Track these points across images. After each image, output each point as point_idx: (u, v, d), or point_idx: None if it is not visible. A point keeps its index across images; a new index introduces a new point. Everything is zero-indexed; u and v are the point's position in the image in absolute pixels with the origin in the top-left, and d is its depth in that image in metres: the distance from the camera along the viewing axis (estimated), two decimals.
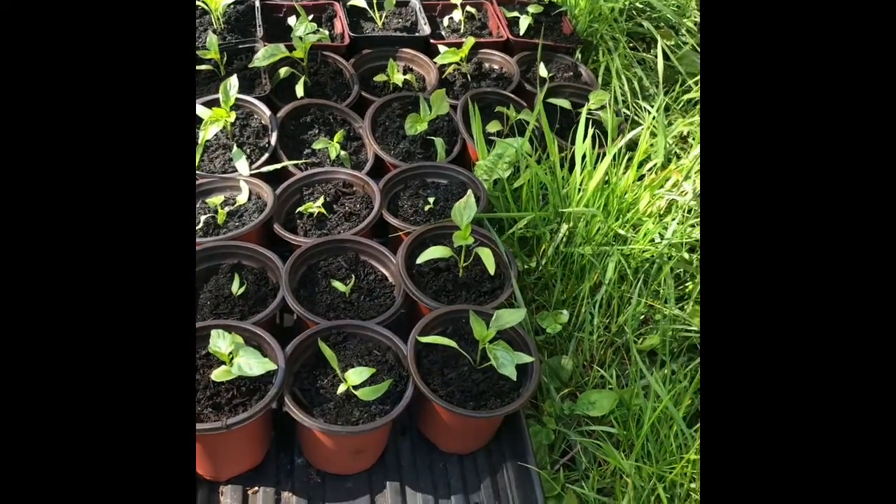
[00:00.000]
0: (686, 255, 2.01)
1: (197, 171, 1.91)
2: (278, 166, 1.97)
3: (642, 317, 1.97)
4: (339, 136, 2.05)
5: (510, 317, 1.55)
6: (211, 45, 2.13)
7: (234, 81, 1.94)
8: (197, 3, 2.35)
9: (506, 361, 1.50)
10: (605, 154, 2.06)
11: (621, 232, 1.99)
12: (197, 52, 2.17)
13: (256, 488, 1.52)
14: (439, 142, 2.12)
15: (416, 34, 2.54)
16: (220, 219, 1.81)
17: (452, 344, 1.54)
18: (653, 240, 2.00)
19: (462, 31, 2.64)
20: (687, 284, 2.04)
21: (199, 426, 1.37)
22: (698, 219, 2.01)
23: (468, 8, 2.68)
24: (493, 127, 2.20)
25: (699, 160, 2.04)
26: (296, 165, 1.99)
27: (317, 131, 2.12)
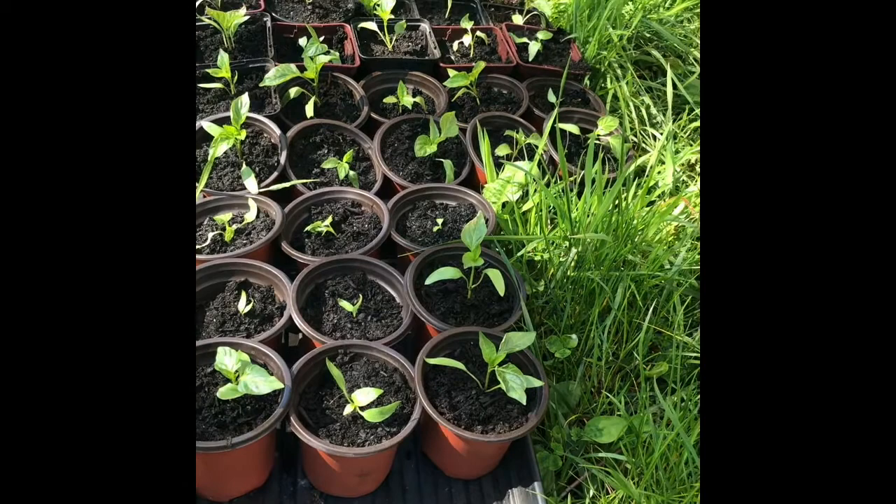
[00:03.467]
0: (695, 283, 2.00)
1: (205, 189, 1.90)
2: (287, 185, 1.96)
3: (651, 343, 1.95)
4: (348, 156, 2.05)
5: (520, 340, 1.53)
6: (222, 64, 2.14)
7: (245, 100, 1.94)
8: (209, 22, 2.37)
9: (516, 385, 1.48)
10: (614, 179, 2.05)
11: (630, 257, 1.98)
12: (208, 71, 2.18)
13: None
14: (448, 164, 2.11)
15: (426, 58, 2.55)
16: (228, 236, 1.80)
17: (461, 366, 1.52)
18: (662, 266, 1.99)
19: (471, 55, 2.66)
20: (696, 311, 2.02)
21: (203, 444, 1.35)
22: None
23: (478, 33, 2.70)
24: (502, 150, 2.20)
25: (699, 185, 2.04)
26: (304, 184, 1.98)
27: (326, 151, 2.12)
